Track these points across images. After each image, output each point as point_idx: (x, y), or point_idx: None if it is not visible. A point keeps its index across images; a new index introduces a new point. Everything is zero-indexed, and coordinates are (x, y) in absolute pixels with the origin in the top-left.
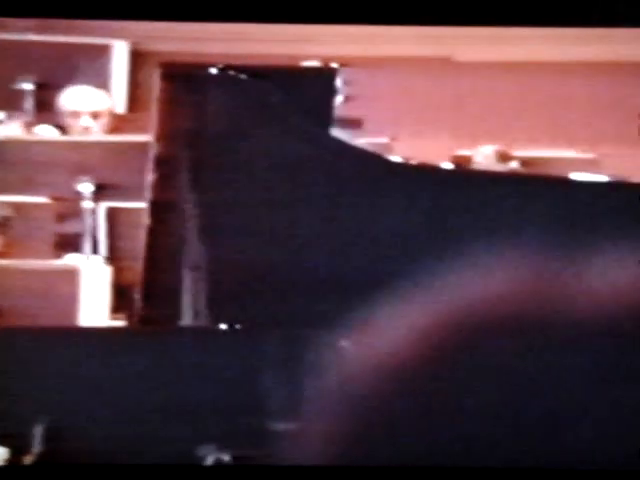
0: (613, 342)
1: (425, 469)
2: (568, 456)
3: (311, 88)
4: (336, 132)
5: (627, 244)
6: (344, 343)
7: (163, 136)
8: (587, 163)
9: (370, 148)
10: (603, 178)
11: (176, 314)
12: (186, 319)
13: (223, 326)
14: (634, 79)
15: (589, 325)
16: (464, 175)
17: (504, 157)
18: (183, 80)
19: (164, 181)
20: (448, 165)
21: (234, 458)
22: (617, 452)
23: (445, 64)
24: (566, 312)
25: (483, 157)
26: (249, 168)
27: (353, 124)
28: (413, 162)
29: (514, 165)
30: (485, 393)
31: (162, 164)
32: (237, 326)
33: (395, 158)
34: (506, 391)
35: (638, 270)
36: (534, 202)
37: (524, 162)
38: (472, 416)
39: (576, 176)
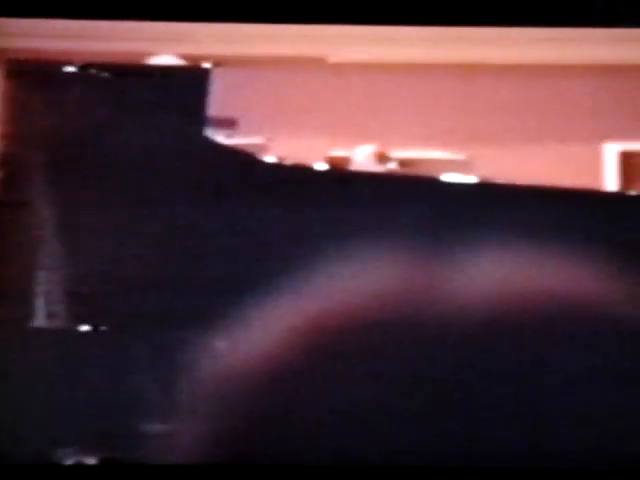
0: (479, 345)
1: (299, 467)
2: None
3: (181, 87)
4: (209, 132)
5: (496, 246)
6: (218, 344)
7: (10, 136)
8: (459, 164)
9: (244, 148)
10: (473, 179)
11: (29, 315)
12: (39, 320)
13: (85, 327)
14: (504, 79)
15: (456, 328)
16: (338, 175)
17: (382, 158)
18: (34, 78)
19: (11, 181)
20: (323, 166)
21: (100, 460)
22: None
23: (320, 64)
24: (434, 314)
25: (361, 157)
26: (112, 167)
27: (227, 124)
28: (288, 163)
29: (392, 166)
30: (355, 393)
31: (9, 164)
32: (102, 327)
33: (269, 158)
34: (375, 390)
35: (506, 273)
36: (405, 203)
37: (402, 163)
38: (344, 415)
39: (447, 177)
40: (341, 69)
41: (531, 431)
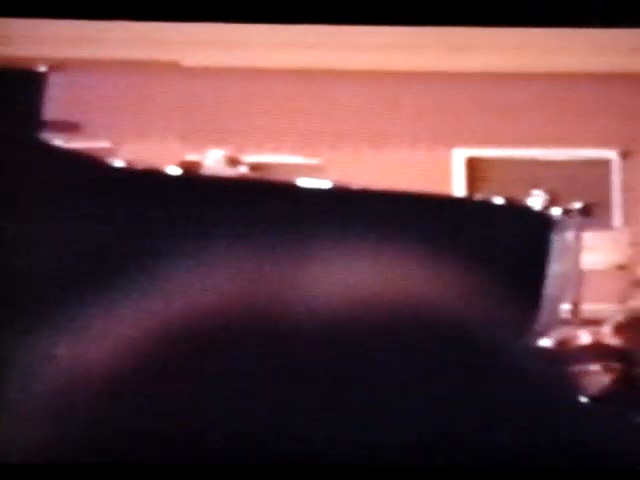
0: (323, 341)
1: (131, 466)
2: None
3: (12, 92)
4: (47, 136)
5: (350, 249)
6: (58, 350)
7: None
8: (313, 169)
9: (90, 152)
10: (327, 184)
11: None
12: None
13: None
14: (356, 85)
15: (303, 327)
16: (189, 180)
17: (233, 162)
18: None
19: None
20: (175, 170)
21: None
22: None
23: (173, 68)
24: (281, 314)
25: (212, 161)
26: None
27: (67, 128)
28: (138, 167)
29: (243, 170)
30: (195, 392)
31: None
32: None
33: (118, 162)
34: (220, 389)
35: (354, 275)
36: (260, 207)
37: (253, 167)
38: (185, 416)
39: (302, 182)
40: (195, 73)
41: (357, 430)
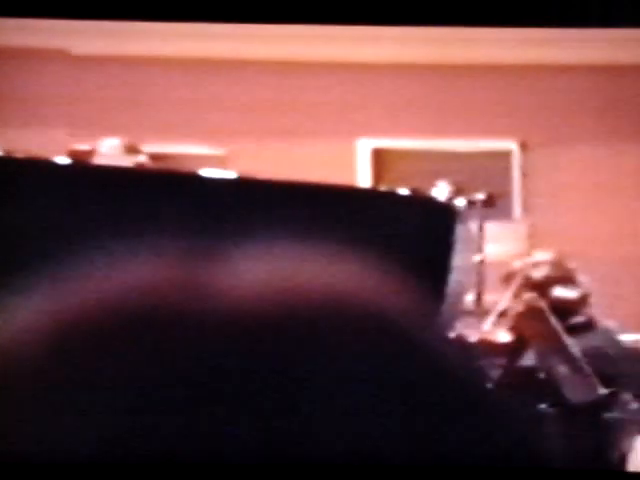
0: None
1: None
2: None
3: None
4: None
5: (255, 240)
6: None
7: None
8: (218, 159)
9: None
10: (231, 174)
11: None
12: None
13: None
14: (263, 75)
15: (219, 325)
16: (80, 169)
17: (131, 150)
18: None
19: None
20: (64, 159)
21: None
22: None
23: (63, 57)
24: (194, 311)
25: (108, 149)
26: None
27: None
28: (17, 156)
29: (142, 159)
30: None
31: None
32: None
33: None
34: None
35: (266, 268)
36: (166, 197)
37: (157, 157)
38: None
39: (206, 172)
40: (87, 62)
41: (286, 432)
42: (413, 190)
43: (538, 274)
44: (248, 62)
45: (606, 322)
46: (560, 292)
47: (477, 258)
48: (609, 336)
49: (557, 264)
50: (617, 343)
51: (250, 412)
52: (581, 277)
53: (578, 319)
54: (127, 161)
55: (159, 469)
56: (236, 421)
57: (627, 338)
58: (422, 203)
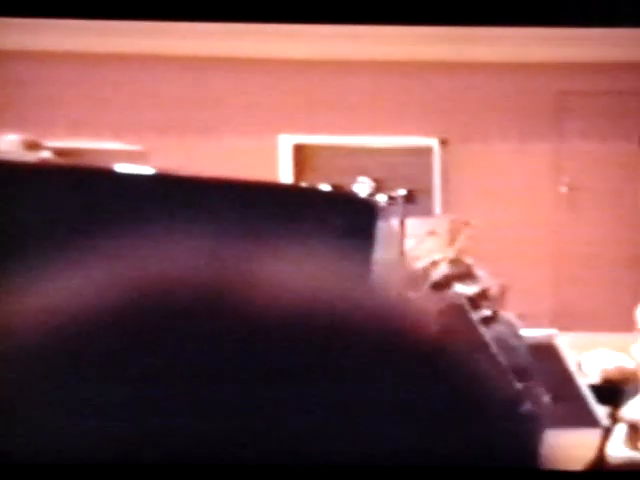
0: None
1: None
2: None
3: None
4: None
5: (174, 238)
6: None
7: None
8: (135, 155)
9: None
10: (150, 170)
11: None
12: None
13: None
14: (183, 72)
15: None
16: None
17: (31, 146)
18: None
19: None
20: None
21: None
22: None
23: None
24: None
25: (7, 145)
26: None
27: None
28: None
29: (45, 154)
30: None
31: None
32: None
33: None
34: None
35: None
36: (70, 192)
37: (64, 152)
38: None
39: (122, 168)
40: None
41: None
42: (335, 186)
43: (438, 273)
44: (169, 58)
45: (506, 314)
46: (461, 289)
47: (398, 254)
48: (511, 329)
49: (455, 261)
50: (518, 334)
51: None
52: (479, 272)
53: (484, 313)
54: (27, 157)
55: (173, 470)
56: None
57: (537, 333)
58: (344, 199)
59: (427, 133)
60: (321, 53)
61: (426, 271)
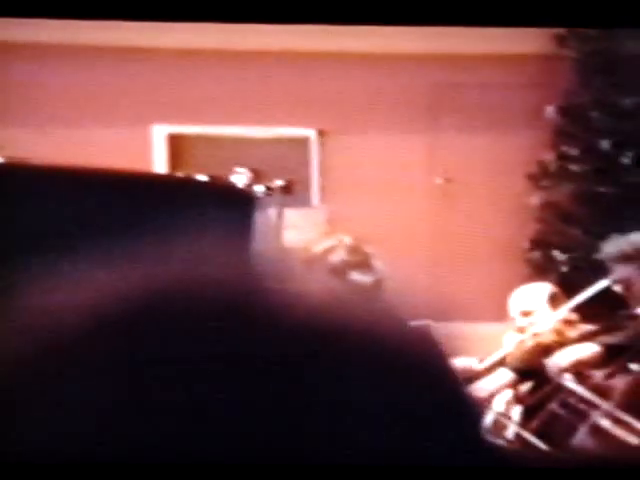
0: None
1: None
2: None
3: None
4: None
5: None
6: None
7: None
8: None
9: None
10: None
11: None
12: None
13: None
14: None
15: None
16: None
17: None
18: None
19: None
20: None
21: None
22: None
23: None
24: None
25: None
26: None
27: None
28: None
29: None
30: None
31: None
32: None
33: None
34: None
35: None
36: None
37: None
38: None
39: None
40: None
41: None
42: (211, 177)
43: (336, 258)
44: (40, 46)
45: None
46: (357, 277)
47: (276, 245)
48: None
49: (354, 249)
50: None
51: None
52: (376, 262)
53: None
54: None
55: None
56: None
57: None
58: (221, 190)
59: (305, 124)
60: (195, 43)
61: (321, 257)
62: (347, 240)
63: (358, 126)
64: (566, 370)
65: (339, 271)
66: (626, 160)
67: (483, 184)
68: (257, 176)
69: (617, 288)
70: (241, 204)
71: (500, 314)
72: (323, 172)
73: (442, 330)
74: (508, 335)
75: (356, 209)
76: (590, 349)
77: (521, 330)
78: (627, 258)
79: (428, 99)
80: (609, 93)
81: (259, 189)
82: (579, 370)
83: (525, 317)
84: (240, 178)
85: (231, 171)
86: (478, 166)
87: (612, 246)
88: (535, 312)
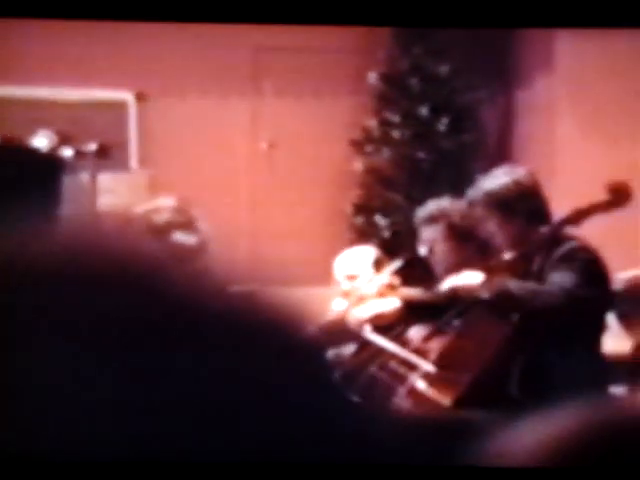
0: None
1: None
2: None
3: None
4: None
5: None
6: None
7: None
8: None
9: None
10: None
11: None
12: None
13: None
14: None
15: None
16: None
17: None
18: None
19: None
20: None
21: None
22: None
23: None
24: None
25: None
26: None
27: None
28: None
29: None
30: None
31: None
32: None
33: None
34: None
35: None
36: None
37: None
38: None
39: None
40: None
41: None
42: (6, 139)
43: (159, 219)
44: None
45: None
46: (180, 237)
47: (90, 209)
48: None
49: (179, 210)
50: None
51: None
52: (201, 224)
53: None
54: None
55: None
56: None
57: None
58: (19, 153)
59: (121, 87)
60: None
61: (144, 218)
62: (170, 202)
63: (179, 89)
64: (366, 322)
65: (162, 231)
66: (442, 127)
67: (307, 149)
68: (64, 139)
69: (423, 251)
70: (43, 167)
71: (325, 278)
72: (142, 136)
73: (267, 295)
74: (335, 299)
75: (178, 173)
76: (391, 303)
77: (346, 294)
78: (433, 220)
79: (250, 64)
80: (426, 60)
81: (67, 152)
82: (378, 323)
83: (350, 281)
84: (42, 141)
85: (34, 134)
86: (302, 131)
87: (422, 210)
88: (360, 276)
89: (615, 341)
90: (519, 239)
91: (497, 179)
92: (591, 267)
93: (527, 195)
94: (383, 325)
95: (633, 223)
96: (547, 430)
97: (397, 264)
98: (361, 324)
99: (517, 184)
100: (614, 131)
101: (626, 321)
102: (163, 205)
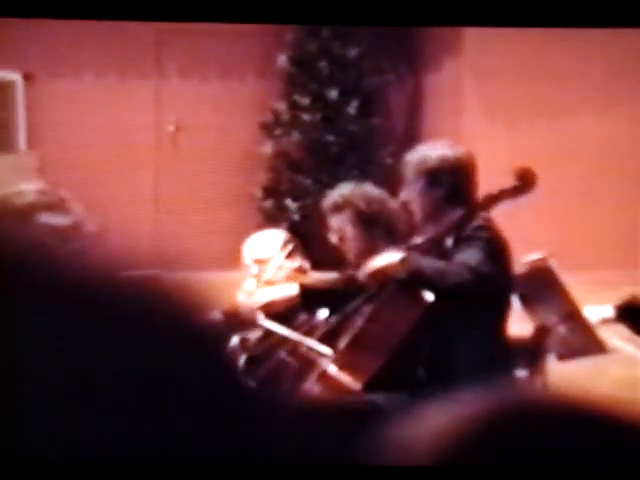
0: None
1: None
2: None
3: None
4: None
5: None
6: None
7: None
8: None
9: None
10: None
11: None
12: None
13: None
14: None
15: None
16: None
17: None
18: None
19: None
20: None
21: None
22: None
23: None
24: None
25: None
26: None
27: None
28: None
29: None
30: None
31: None
32: None
33: None
34: None
35: None
36: None
37: None
38: None
39: None
40: None
41: None
42: None
43: (21, 201)
44: None
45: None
46: (48, 218)
47: None
48: None
49: (44, 192)
50: None
51: None
52: (73, 206)
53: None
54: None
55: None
56: None
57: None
58: None
59: (9, 67)
60: None
61: (6, 201)
62: (34, 185)
63: (73, 69)
64: (258, 310)
65: (25, 213)
66: (352, 110)
67: (214, 132)
68: None
69: (333, 239)
70: None
71: (233, 263)
72: (32, 117)
73: (171, 279)
74: (248, 281)
75: (71, 155)
76: (288, 290)
77: (256, 278)
78: (338, 208)
79: (153, 45)
80: (334, 43)
81: None
82: (270, 310)
83: (259, 265)
84: None
85: None
86: (210, 114)
87: (327, 198)
88: (269, 260)
89: (518, 325)
90: (432, 211)
91: (437, 150)
92: (493, 244)
93: (457, 172)
94: (275, 312)
95: (535, 209)
96: (447, 414)
97: (292, 246)
98: (253, 311)
99: (452, 158)
100: (517, 115)
101: (528, 305)
102: (26, 188)
